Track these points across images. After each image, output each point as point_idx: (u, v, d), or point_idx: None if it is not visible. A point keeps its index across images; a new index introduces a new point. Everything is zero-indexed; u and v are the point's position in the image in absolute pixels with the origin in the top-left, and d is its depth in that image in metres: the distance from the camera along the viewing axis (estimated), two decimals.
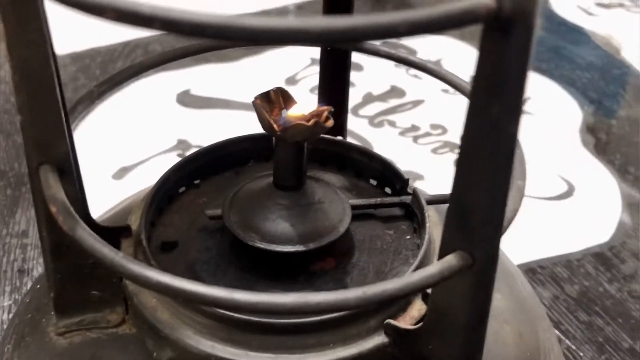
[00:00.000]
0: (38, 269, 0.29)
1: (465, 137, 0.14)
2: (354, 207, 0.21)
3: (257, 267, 0.19)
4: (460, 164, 0.14)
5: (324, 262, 0.20)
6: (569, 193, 0.36)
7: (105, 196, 0.25)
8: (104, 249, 0.14)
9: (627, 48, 0.50)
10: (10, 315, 0.26)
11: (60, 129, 0.16)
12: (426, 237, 0.19)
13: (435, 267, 0.15)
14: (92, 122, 0.38)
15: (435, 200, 0.22)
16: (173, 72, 0.42)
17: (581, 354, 0.27)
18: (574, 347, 0.27)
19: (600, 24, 0.53)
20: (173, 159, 0.35)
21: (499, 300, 0.23)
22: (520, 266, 0.31)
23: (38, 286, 0.23)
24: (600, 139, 0.40)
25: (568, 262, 0.31)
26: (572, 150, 0.39)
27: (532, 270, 0.31)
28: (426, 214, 0.20)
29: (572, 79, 0.47)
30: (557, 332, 0.27)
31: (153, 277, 0.13)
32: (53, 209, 0.15)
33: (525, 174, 0.19)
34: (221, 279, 0.19)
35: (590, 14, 0.56)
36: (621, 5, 0.58)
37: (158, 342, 0.18)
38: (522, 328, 0.22)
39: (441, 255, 0.15)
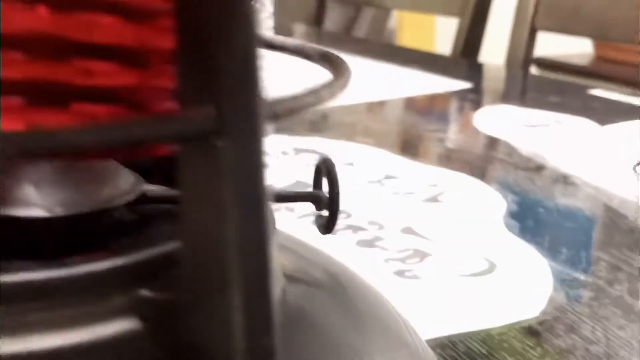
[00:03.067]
0: None
1: None
2: None
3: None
4: None
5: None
6: (489, 270, 0.30)
7: None
8: None
9: (553, 154, 0.48)
10: None
11: None
12: None
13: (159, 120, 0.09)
14: None
15: None
16: None
17: None
18: None
19: (527, 140, 0.52)
20: None
21: (365, 332, 0.16)
22: (429, 342, 0.24)
23: None
24: (527, 224, 0.36)
25: (488, 337, 0.24)
26: (496, 234, 0.34)
27: (442, 346, 0.24)
28: None
29: (497, 178, 0.43)
30: None
31: None
32: None
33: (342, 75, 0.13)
34: None
35: (513, 130, 0.55)
36: (546, 125, 0.57)
37: None
38: None
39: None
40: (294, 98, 0.11)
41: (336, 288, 0.18)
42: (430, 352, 0.18)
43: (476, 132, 0.55)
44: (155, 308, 0.11)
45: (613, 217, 0.38)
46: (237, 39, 0.09)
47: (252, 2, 0.09)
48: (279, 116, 0.11)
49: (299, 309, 0.16)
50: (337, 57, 0.14)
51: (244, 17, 0.09)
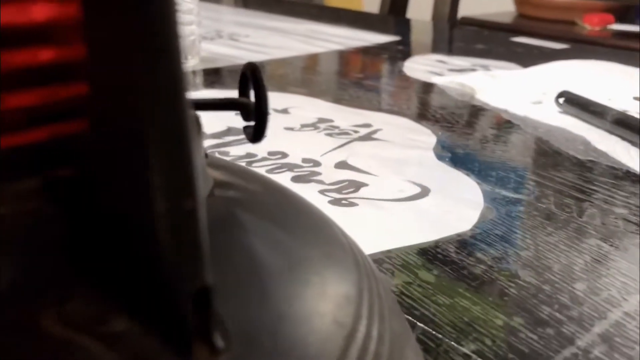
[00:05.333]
0: None
1: None
2: None
3: None
4: None
5: None
6: (423, 194, 0.30)
7: None
8: None
9: (482, 92, 0.49)
10: None
11: None
12: None
13: None
14: None
15: None
16: None
17: (440, 335, 0.19)
18: (432, 330, 0.20)
19: (455, 82, 0.52)
20: None
21: (309, 250, 0.16)
22: None
23: None
24: (457, 154, 0.36)
25: (423, 250, 0.25)
26: (429, 164, 0.35)
27: (379, 261, 0.24)
28: None
29: (425, 115, 0.44)
30: (410, 318, 0.20)
31: None
32: None
33: None
34: None
35: (441, 75, 0.56)
36: (473, 70, 0.58)
37: None
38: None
39: None
40: None
41: (266, 194, 0.18)
42: (363, 252, 0.18)
43: (406, 78, 0.56)
44: (67, 186, 0.11)
45: (539, 143, 0.39)
46: None
47: None
48: None
49: (228, 208, 0.15)
50: None
51: None
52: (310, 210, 0.19)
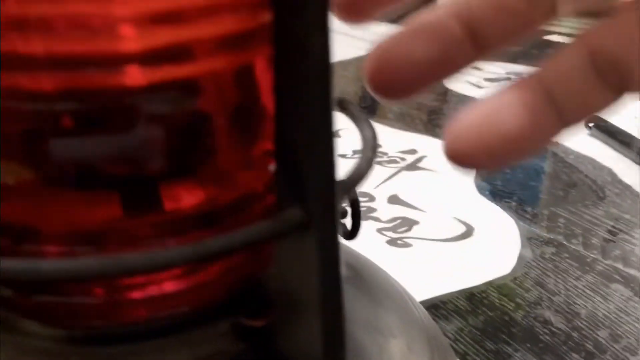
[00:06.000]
0: None
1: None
2: None
3: None
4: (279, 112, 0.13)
5: None
6: (468, 234, 0.35)
7: None
8: None
9: None
10: None
11: None
12: None
13: (266, 223, 0.13)
14: None
15: None
16: None
17: None
18: None
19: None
20: None
21: (383, 314, 0.21)
22: (424, 303, 0.29)
23: None
24: (496, 185, 0.41)
25: (471, 295, 0.30)
26: (470, 198, 0.39)
27: (435, 306, 0.29)
28: None
29: None
30: None
31: None
32: None
33: (374, 147, 0.18)
34: None
35: (479, 87, 0.59)
36: (508, 79, 0.62)
37: None
38: (412, 343, 0.20)
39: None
40: (354, 174, 0.15)
41: (356, 278, 0.22)
42: (433, 322, 0.23)
43: (444, 91, 0.59)
44: (251, 332, 0.16)
45: (569, 173, 0.43)
46: (319, 158, 0.13)
47: (333, 130, 0.13)
48: (345, 196, 0.15)
49: None
50: (367, 121, 0.18)
51: (325, 138, 0.13)
52: (392, 286, 0.23)
